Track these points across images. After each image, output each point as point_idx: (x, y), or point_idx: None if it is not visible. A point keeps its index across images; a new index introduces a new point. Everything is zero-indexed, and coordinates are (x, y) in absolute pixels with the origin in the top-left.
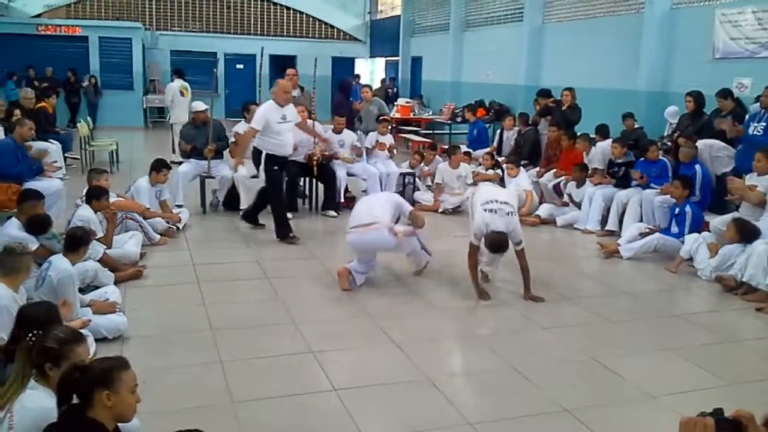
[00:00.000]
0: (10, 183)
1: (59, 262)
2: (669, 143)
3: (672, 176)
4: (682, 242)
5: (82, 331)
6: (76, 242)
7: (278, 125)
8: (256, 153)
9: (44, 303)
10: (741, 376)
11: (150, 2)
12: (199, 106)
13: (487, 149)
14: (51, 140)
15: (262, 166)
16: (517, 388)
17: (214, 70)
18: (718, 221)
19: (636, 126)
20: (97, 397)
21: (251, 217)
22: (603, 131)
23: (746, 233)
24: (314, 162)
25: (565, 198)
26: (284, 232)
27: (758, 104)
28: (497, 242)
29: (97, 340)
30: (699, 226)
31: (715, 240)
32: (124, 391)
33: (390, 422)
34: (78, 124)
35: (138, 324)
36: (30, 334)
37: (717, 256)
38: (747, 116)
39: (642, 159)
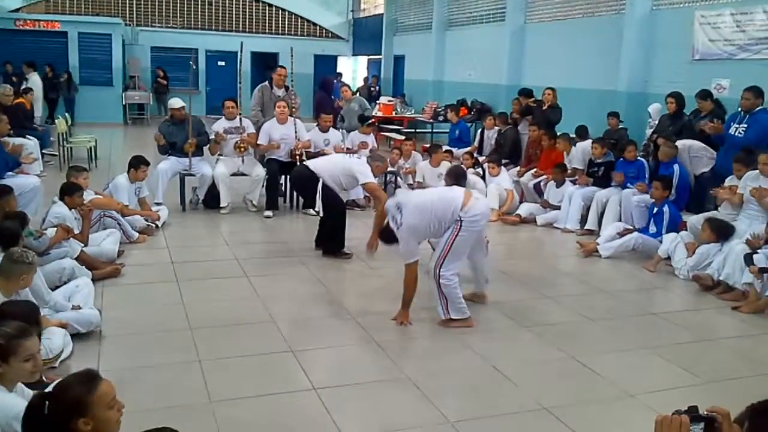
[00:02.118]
0: None
1: None
2: (651, 143)
3: (650, 176)
4: (660, 241)
5: (58, 330)
6: (8, 237)
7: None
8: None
9: (26, 302)
10: (717, 374)
11: None
12: (176, 103)
13: (468, 148)
14: (29, 136)
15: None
16: (497, 387)
17: (191, 64)
18: (695, 220)
19: (620, 126)
20: (74, 426)
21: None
22: (582, 132)
23: (721, 232)
24: (296, 157)
25: (545, 198)
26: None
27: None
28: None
29: (72, 337)
30: (677, 225)
31: (693, 239)
32: (102, 410)
33: (370, 421)
34: (56, 121)
35: (115, 323)
36: None
37: (694, 255)
38: (727, 117)
39: (621, 159)
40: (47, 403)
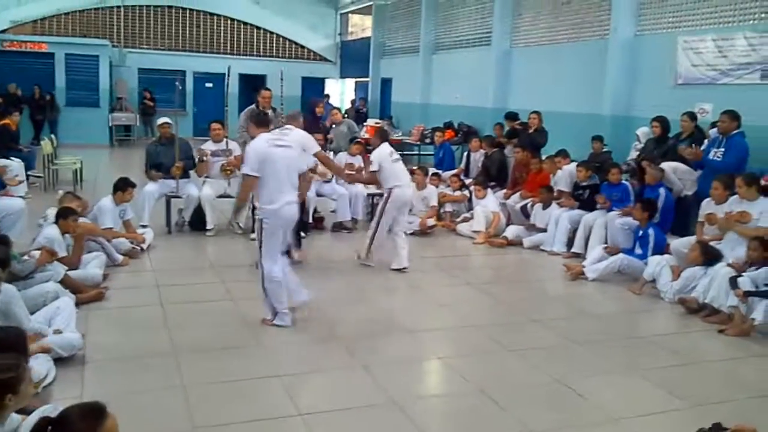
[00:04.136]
0: None
1: None
2: (634, 164)
3: (636, 199)
4: (646, 264)
5: (41, 356)
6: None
7: None
8: None
9: (13, 328)
10: (704, 397)
11: (118, 20)
12: (162, 120)
13: (455, 171)
14: (13, 158)
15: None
16: (484, 411)
17: (177, 84)
18: (679, 243)
19: (604, 149)
20: None
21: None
22: (564, 155)
23: (709, 256)
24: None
25: (531, 220)
26: None
27: (715, 129)
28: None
29: (55, 362)
30: (662, 248)
31: (677, 262)
32: None
33: None
34: (42, 142)
35: (99, 347)
36: None
37: (680, 278)
38: (706, 141)
39: (605, 182)
40: (50, 428)
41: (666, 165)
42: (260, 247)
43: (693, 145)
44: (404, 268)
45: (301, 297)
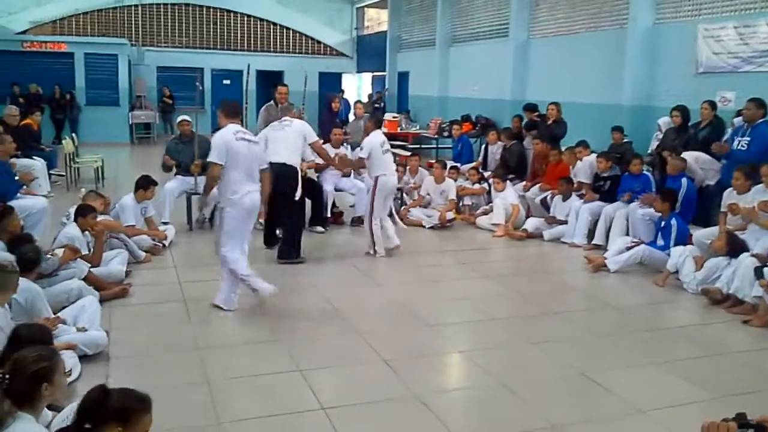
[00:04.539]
0: None
1: (21, 284)
2: (655, 154)
3: (657, 189)
4: (668, 255)
5: (66, 352)
6: (28, 263)
7: None
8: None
9: (37, 325)
10: (730, 388)
11: (136, 18)
12: (185, 118)
13: (473, 164)
14: (35, 157)
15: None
16: (506, 405)
17: (198, 84)
18: (701, 234)
19: (624, 140)
20: (109, 430)
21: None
22: (585, 146)
23: (735, 246)
24: (302, 177)
25: (552, 214)
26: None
27: (740, 118)
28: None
29: (80, 359)
30: (684, 238)
31: (700, 253)
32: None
33: None
34: (63, 141)
35: (123, 344)
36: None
37: (703, 269)
38: (730, 130)
39: (626, 173)
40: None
41: (688, 155)
42: (222, 235)
43: (721, 139)
44: (397, 246)
45: (257, 286)
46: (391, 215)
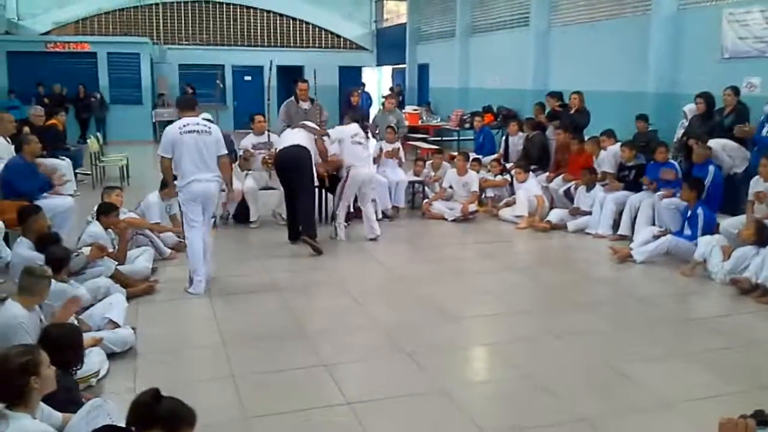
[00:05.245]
0: (22, 201)
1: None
2: (679, 142)
3: (683, 178)
4: (695, 245)
5: (94, 349)
6: (57, 262)
7: None
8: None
9: (68, 325)
10: (758, 380)
11: (157, 17)
12: (205, 115)
13: (495, 155)
14: (61, 157)
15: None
16: (531, 398)
17: (217, 81)
18: (729, 223)
19: (649, 128)
20: None
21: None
22: (610, 135)
23: (764, 235)
24: (325, 173)
25: (575, 204)
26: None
27: None
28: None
29: (108, 356)
30: (711, 228)
31: (728, 242)
32: None
33: None
34: (88, 140)
35: (150, 340)
36: None
37: (731, 258)
38: (762, 117)
39: (651, 162)
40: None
41: (714, 142)
42: (183, 222)
43: (746, 123)
44: (376, 237)
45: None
46: (374, 201)
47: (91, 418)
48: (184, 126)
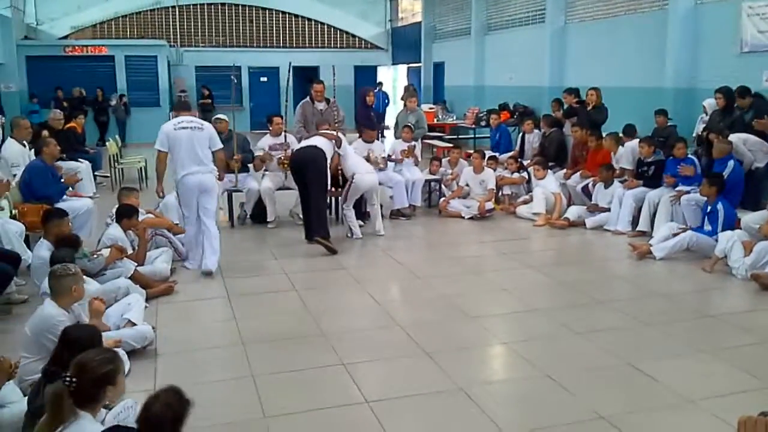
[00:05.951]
0: (42, 203)
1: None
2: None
3: (703, 173)
4: (716, 240)
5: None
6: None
7: None
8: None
9: (88, 326)
10: None
11: (174, 19)
12: (220, 116)
13: (511, 153)
14: (80, 159)
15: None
16: (552, 396)
17: (233, 78)
18: (750, 218)
19: (669, 123)
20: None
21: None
22: (630, 131)
23: None
24: (339, 172)
25: (593, 201)
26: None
27: None
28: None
29: (128, 355)
30: (732, 223)
31: (748, 237)
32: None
33: None
34: (107, 143)
35: (170, 340)
36: (66, 378)
37: (752, 253)
38: None
39: (670, 157)
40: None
41: (735, 137)
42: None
43: (765, 116)
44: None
45: (207, 266)
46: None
47: (122, 418)
48: (179, 123)
